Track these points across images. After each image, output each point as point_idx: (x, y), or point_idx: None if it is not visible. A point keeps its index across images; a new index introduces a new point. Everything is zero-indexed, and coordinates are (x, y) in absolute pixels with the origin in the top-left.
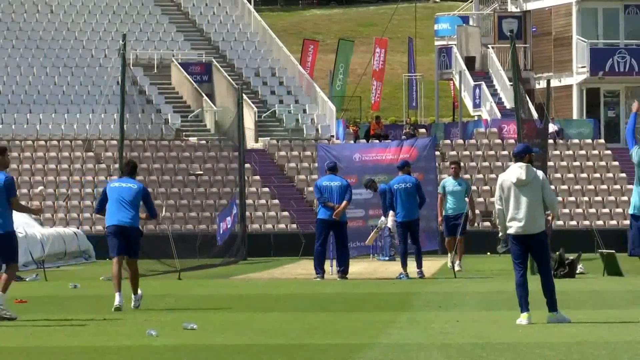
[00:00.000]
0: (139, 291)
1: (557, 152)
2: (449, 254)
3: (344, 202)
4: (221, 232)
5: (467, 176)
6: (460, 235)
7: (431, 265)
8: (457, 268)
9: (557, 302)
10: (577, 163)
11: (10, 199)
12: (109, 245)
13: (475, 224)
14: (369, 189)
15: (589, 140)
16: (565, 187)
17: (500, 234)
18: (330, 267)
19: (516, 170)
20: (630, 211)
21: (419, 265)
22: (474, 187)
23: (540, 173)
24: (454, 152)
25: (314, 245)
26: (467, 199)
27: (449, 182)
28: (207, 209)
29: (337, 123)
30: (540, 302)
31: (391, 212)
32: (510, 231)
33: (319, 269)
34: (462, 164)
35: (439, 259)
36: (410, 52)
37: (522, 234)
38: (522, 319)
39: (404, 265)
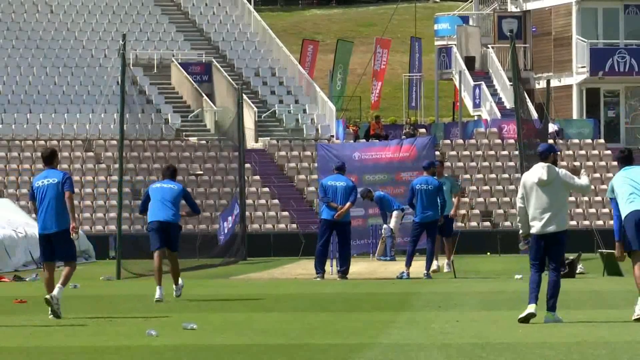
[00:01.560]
0: (180, 281)
1: (557, 152)
2: (437, 258)
3: (348, 204)
4: (225, 231)
5: (467, 175)
6: (446, 237)
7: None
8: (445, 269)
9: (556, 304)
10: (577, 163)
11: (66, 192)
12: (150, 241)
13: (472, 223)
14: (365, 199)
15: (589, 140)
16: None
17: (520, 232)
18: (331, 267)
19: (538, 170)
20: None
21: (428, 267)
22: (473, 187)
23: (562, 172)
24: (454, 152)
25: (316, 245)
26: (454, 198)
27: None
28: (207, 209)
29: (337, 123)
30: (541, 302)
31: (394, 213)
32: (533, 230)
33: (320, 268)
34: (461, 162)
35: (439, 258)
36: (413, 52)
37: (544, 233)
38: (530, 308)
39: (408, 264)
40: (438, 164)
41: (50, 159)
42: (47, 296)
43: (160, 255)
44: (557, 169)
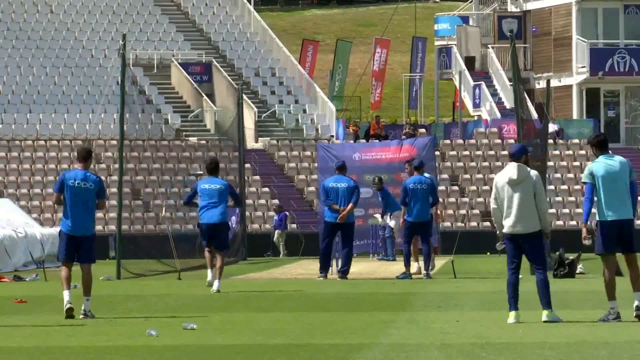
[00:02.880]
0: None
1: (557, 152)
2: (418, 259)
3: (349, 206)
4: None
5: (467, 175)
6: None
7: None
8: (423, 271)
9: (551, 300)
10: (577, 163)
11: (101, 202)
12: (202, 238)
13: (472, 223)
14: (373, 186)
15: None
16: (565, 187)
17: (498, 232)
18: (330, 266)
19: (509, 170)
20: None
21: (427, 267)
22: (473, 187)
23: (534, 173)
24: (454, 152)
25: (319, 245)
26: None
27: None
28: None
29: (337, 123)
30: (539, 302)
31: (396, 213)
32: (504, 230)
33: (323, 269)
34: (461, 162)
35: (439, 258)
36: (415, 52)
37: (514, 233)
38: (511, 317)
39: (407, 265)
40: (408, 164)
41: (86, 158)
42: (81, 316)
43: (211, 251)
44: (528, 169)
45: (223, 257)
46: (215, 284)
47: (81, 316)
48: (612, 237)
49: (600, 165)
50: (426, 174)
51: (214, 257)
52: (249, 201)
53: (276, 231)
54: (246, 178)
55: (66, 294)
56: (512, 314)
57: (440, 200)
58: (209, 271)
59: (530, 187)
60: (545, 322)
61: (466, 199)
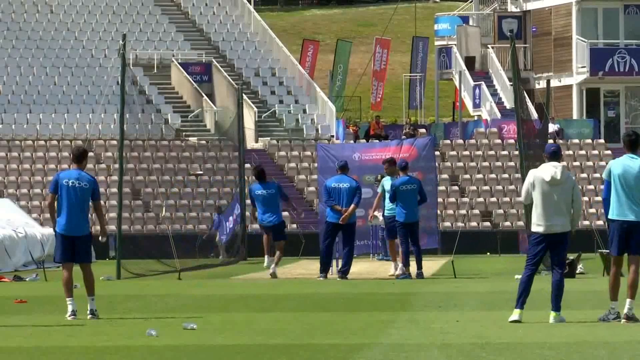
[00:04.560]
0: (273, 268)
1: None
2: (395, 259)
3: (352, 206)
4: (227, 231)
5: (467, 176)
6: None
7: (431, 265)
8: (398, 272)
9: (560, 304)
10: (577, 163)
11: (96, 202)
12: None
13: (472, 223)
14: (375, 183)
15: (589, 140)
16: None
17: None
18: (330, 267)
19: (550, 169)
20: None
21: (419, 267)
22: (473, 187)
23: (571, 175)
24: (454, 152)
25: (319, 245)
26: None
27: (388, 181)
28: (207, 209)
29: (337, 123)
30: (540, 302)
31: None
32: (539, 229)
33: (324, 269)
34: (461, 162)
35: (439, 258)
36: (416, 52)
37: (549, 233)
38: (515, 314)
39: (406, 264)
40: (387, 163)
41: (80, 158)
42: (89, 316)
43: (268, 236)
44: (567, 170)
45: (282, 247)
46: (272, 267)
47: (89, 316)
48: (620, 238)
49: (619, 163)
50: (411, 174)
51: (275, 248)
52: (248, 201)
53: (217, 231)
54: (246, 178)
55: (70, 305)
56: (517, 311)
57: (440, 200)
58: (266, 257)
59: (569, 188)
60: (552, 323)
61: (466, 199)
